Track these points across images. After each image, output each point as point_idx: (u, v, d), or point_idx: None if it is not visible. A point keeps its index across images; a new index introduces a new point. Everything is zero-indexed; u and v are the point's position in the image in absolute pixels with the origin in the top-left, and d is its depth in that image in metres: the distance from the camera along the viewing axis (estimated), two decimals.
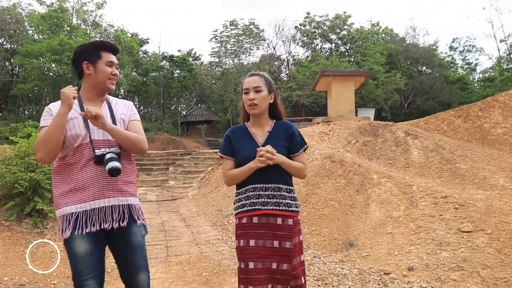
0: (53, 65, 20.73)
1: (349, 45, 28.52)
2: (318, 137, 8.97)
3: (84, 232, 2.00)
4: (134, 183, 2.25)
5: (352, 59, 27.12)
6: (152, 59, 31.10)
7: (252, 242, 2.14)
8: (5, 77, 26.09)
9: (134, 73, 28.27)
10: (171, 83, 27.83)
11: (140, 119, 2.34)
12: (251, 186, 2.18)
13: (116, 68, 2.23)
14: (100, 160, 2.02)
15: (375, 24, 29.59)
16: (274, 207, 2.15)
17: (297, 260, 2.19)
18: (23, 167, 5.40)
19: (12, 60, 26.36)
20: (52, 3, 23.74)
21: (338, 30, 27.70)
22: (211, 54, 30.98)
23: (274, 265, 2.12)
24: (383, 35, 29.17)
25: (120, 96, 27.54)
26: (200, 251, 4.86)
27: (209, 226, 6.41)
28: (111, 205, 2.07)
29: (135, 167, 2.30)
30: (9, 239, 4.87)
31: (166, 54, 30.21)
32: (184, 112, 32.50)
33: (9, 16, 25.68)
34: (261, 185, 2.17)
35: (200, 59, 33.86)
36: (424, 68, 29.03)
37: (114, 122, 2.16)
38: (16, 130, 14.25)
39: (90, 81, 2.18)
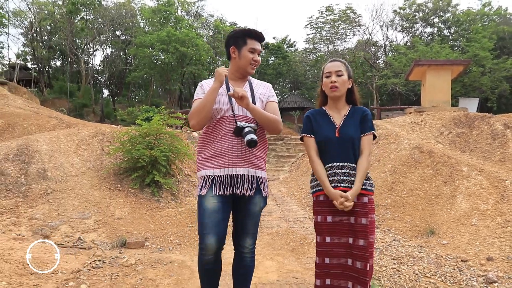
0: (161, 54, 22.80)
1: (453, 28, 26.39)
2: (409, 127, 8.94)
3: (217, 194, 2.25)
4: (264, 158, 2.45)
5: (457, 44, 25.12)
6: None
7: (329, 218, 2.29)
8: (121, 65, 29.38)
9: None
10: (266, 70, 28.70)
11: (277, 101, 2.52)
12: (328, 165, 2.33)
13: (258, 54, 2.41)
14: (239, 132, 2.24)
15: (486, 4, 26.90)
16: (350, 185, 2.26)
17: (372, 238, 2.27)
18: (145, 145, 6.51)
19: (126, 50, 29.63)
20: None
21: (441, 13, 25.82)
22: (306, 41, 31.16)
23: (351, 240, 2.24)
24: (494, 16, 26.40)
25: None
26: (288, 226, 5.48)
27: (297, 206, 7.00)
28: (242, 174, 2.29)
29: (266, 144, 2.50)
30: (135, 203, 6.01)
31: None
32: (278, 98, 33.35)
33: (124, 10, 28.80)
34: (337, 164, 2.30)
35: (294, 46, 34.24)
36: None
37: (253, 100, 2.35)
38: (132, 113, 16.29)
39: (235, 64, 2.42)
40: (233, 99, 2.27)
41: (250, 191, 2.30)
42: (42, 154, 6.64)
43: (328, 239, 2.28)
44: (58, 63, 33.44)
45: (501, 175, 5.96)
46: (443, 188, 6.07)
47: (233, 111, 2.31)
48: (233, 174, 2.27)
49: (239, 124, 2.24)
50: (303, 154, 12.33)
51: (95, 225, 5.08)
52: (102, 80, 32.83)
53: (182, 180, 7.29)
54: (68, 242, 4.56)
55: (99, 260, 3.87)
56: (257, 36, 2.40)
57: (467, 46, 20.02)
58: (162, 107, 7.96)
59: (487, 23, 25.57)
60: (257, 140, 2.19)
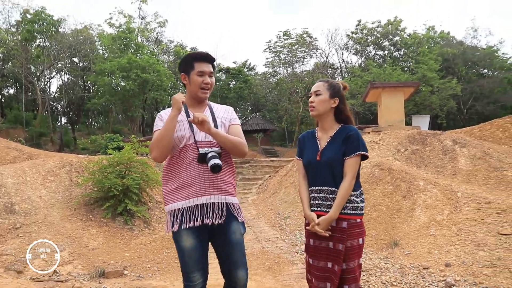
0: (122, 81, 22.70)
1: (403, 50, 28.21)
2: (368, 146, 9.46)
3: (188, 227, 2.16)
4: (233, 183, 2.36)
5: (407, 64, 26.80)
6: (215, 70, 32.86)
7: (311, 241, 2.29)
8: (79, 92, 28.85)
9: None
10: (228, 93, 29.16)
11: (240, 123, 2.45)
12: (310, 188, 2.33)
13: (210, 76, 2.33)
14: (202, 158, 2.16)
15: (430, 29, 29.03)
16: (327, 209, 2.21)
17: (355, 263, 2.21)
18: (116, 174, 6.56)
19: (84, 77, 29.18)
20: (121, 25, 26.00)
21: (390, 37, 27.56)
22: (266, 64, 32.03)
23: (329, 265, 2.19)
24: (438, 39, 28.51)
25: None
26: (262, 247, 5.69)
27: (268, 227, 7.23)
28: (212, 202, 2.19)
29: (234, 168, 2.41)
30: (108, 232, 6.02)
31: (222, 66, 31.72)
32: (239, 121, 33.81)
33: (82, 37, 28.49)
34: (316, 188, 2.28)
35: (255, 69, 35.11)
36: (486, 71, 27.95)
37: (215, 125, 2.29)
38: (95, 141, 16.05)
39: (188, 90, 2.36)
40: (194, 126, 2.20)
41: (220, 219, 2.20)
42: (8, 188, 6.51)
43: (310, 261, 2.29)
44: (11, 91, 32.33)
45: (453, 188, 6.51)
46: (403, 202, 6.53)
47: (194, 138, 2.24)
48: (202, 204, 2.18)
49: (201, 150, 2.17)
50: (269, 176, 12.64)
51: (69, 257, 5.06)
52: (59, 107, 32.03)
53: (153, 207, 7.35)
54: (43, 277, 4.53)
55: None
56: (204, 57, 2.33)
57: (416, 67, 21.45)
58: (133, 136, 8.02)
59: (432, 45, 27.54)
60: (222, 164, 2.12)
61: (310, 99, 2.38)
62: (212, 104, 2.48)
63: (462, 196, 6.17)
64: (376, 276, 4.30)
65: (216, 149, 2.19)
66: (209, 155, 2.12)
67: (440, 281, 4.10)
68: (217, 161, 2.08)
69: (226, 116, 2.40)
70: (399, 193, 6.77)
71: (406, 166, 8.01)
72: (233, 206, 2.28)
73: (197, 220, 2.16)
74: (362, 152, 2.24)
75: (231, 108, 2.53)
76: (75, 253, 5.17)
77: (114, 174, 6.51)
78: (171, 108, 2.23)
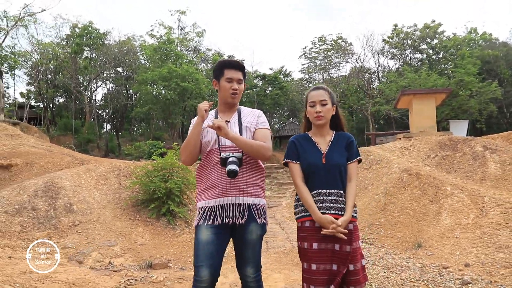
0: (162, 90, 23.83)
1: (442, 53, 27.72)
2: (399, 152, 9.71)
3: (206, 224, 2.29)
4: (259, 184, 2.44)
5: (447, 67, 26.29)
6: (246, 77, 33.62)
7: (315, 245, 2.25)
8: (124, 101, 30.46)
9: None
10: (264, 100, 29.77)
11: (268, 127, 2.51)
12: (315, 191, 2.32)
13: (238, 83, 2.46)
14: (224, 162, 2.28)
15: (472, 31, 28.32)
16: (337, 212, 2.27)
17: (359, 265, 2.27)
18: (160, 178, 7.22)
19: (127, 86, 30.79)
20: (161, 36, 27.29)
21: (428, 40, 27.17)
22: (301, 71, 32.47)
23: (335, 267, 2.23)
24: (480, 41, 27.77)
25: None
26: (292, 246, 6.13)
27: None
28: (233, 203, 2.31)
29: (262, 171, 2.50)
30: (154, 231, 6.68)
31: (259, 73, 32.40)
32: (276, 127, 34.33)
33: (125, 48, 30.13)
34: (325, 190, 2.30)
35: (290, 75, 35.56)
36: None
37: (240, 129, 2.40)
38: (139, 147, 17.07)
39: (219, 96, 2.51)
40: None
41: (241, 219, 2.30)
42: (66, 190, 7.34)
43: (314, 267, 2.25)
44: (61, 100, 34.53)
45: (481, 192, 6.67)
46: (429, 206, 6.76)
47: (219, 142, 2.37)
48: (224, 204, 2.30)
49: (223, 155, 2.29)
50: None
51: (121, 251, 5.74)
52: (104, 115, 33.89)
53: (193, 209, 7.98)
54: (100, 266, 5.21)
55: (132, 279, 4.52)
56: (233, 65, 2.47)
57: (453, 72, 21.12)
58: (174, 143, 8.71)
59: (473, 47, 26.87)
60: (245, 169, 2.31)
61: (317, 109, 2.38)
62: (242, 108, 2.58)
63: (489, 200, 6.33)
64: (396, 273, 4.64)
65: (238, 154, 2.31)
66: (229, 160, 2.25)
67: (457, 279, 4.38)
68: (234, 166, 2.20)
69: (252, 121, 2.49)
70: (426, 197, 7.00)
71: (436, 172, 8.18)
72: (255, 207, 2.37)
73: (217, 219, 2.29)
74: (360, 158, 2.45)
75: (260, 112, 2.60)
76: (126, 248, 5.85)
77: (158, 178, 7.18)
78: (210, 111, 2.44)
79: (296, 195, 2.44)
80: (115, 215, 6.98)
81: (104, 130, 32.69)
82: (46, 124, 27.18)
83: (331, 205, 2.28)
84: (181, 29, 29.65)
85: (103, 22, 51.40)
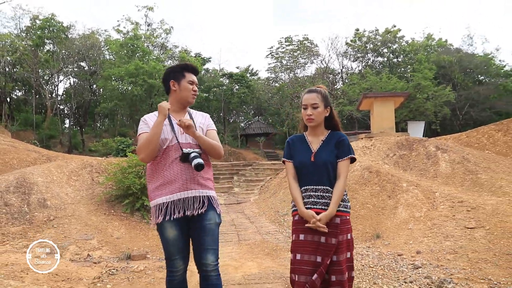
0: (129, 86, 23.59)
1: (401, 57, 29.12)
2: (360, 151, 10.36)
3: (172, 218, 2.41)
4: (211, 179, 2.63)
5: (406, 70, 27.63)
6: (213, 75, 33.79)
7: (301, 237, 2.42)
8: (88, 96, 29.81)
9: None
10: (231, 98, 30.05)
11: (215, 129, 2.73)
12: (304, 187, 2.48)
13: (196, 86, 2.65)
14: (185, 158, 2.41)
15: (428, 36, 29.93)
16: (323, 207, 2.40)
17: (343, 256, 2.38)
18: (135, 174, 7.43)
19: (91, 81, 30.14)
20: (128, 31, 26.96)
21: (389, 44, 28.47)
22: (268, 70, 33.01)
23: (319, 259, 2.34)
24: (436, 46, 29.43)
25: None
26: (262, 238, 6.55)
27: (268, 223, 8.10)
28: (193, 196, 2.45)
29: (211, 166, 2.69)
30: (129, 225, 6.89)
31: (225, 71, 32.65)
32: (242, 125, 34.73)
33: (89, 42, 29.45)
34: (312, 187, 2.45)
35: (257, 74, 36.04)
36: (482, 77, 28.82)
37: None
38: (107, 144, 16.94)
39: (175, 96, 2.62)
40: (175, 129, 2.52)
41: (201, 209, 2.46)
42: (39, 186, 7.39)
43: (298, 256, 2.39)
44: (19, 94, 33.22)
45: (433, 188, 7.36)
46: (387, 201, 7.39)
47: (177, 139, 2.49)
48: (185, 197, 2.43)
49: (185, 150, 2.42)
50: (271, 178, 13.52)
51: (98, 244, 5.94)
52: (66, 110, 32.97)
53: None
54: (79, 259, 5.40)
55: (113, 269, 4.77)
56: (194, 69, 2.67)
57: (411, 76, 22.37)
58: None
59: (431, 52, 28.44)
60: (204, 163, 2.40)
61: (308, 112, 2.50)
62: (191, 110, 2.74)
63: (440, 196, 7.02)
64: (357, 260, 5.16)
65: (197, 150, 2.47)
66: (192, 155, 2.39)
67: (409, 265, 4.95)
68: (200, 160, 2.36)
69: (204, 122, 2.68)
70: (385, 193, 7.63)
71: (393, 170, 8.87)
72: (213, 198, 2.55)
73: (179, 212, 2.42)
74: (352, 155, 2.51)
75: (208, 115, 2.81)
76: (103, 241, 6.05)
77: (133, 174, 7.39)
78: (155, 112, 2.57)
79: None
80: (90, 210, 7.12)
81: (66, 125, 31.84)
82: (5, 119, 26.15)
83: (318, 200, 2.42)
84: (148, 25, 29.43)
85: (66, 14, 49.83)
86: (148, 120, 2.56)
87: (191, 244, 2.60)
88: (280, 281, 3.85)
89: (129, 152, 7.90)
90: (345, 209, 2.47)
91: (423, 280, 4.41)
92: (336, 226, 2.37)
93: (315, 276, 2.30)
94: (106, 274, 4.59)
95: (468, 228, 5.81)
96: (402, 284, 4.37)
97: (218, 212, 2.55)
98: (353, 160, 2.53)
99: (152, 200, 2.51)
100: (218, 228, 2.57)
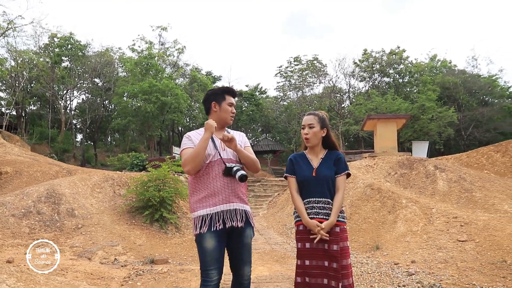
0: (142, 103, 24.46)
1: (407, 78, 29.80)
2: (364, 169, 10.95)
3: (213, 229, 2.52)
4: (246, 194, 2.81)
5: (413, 90, 28.20)
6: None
7: (307, 245, 2.65)
8: (103, 112, 30.81)
9: None
10: (240, 116, 30.85)
11: (250, 146, 2.89)
12: (306, 199, 2.71)
13: (234, 107, 2.83)
14: (229, 172, 2.55)
15: (433, 58, 30.67)
16: (324, 217, 2.62)
17: (347, 262, 2.60)
18: (155, 188, 8.10)
19: (104, 97, 31.13)
20: (142, 50, 28.04)
21: (395, 65, 29.22)
22: (276, 88, 33.89)
23: (326, 263, 2.57)
24: (441, 68, 30.13)
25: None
26: (271, 248, 7.14)
27: (276, 235, 8.68)
28: (235, 209, 2.59)
29: (246, 183, 2.78)
30: (149, 234, 7.53)
31: (235, 90, 33.48)
32: (251, 142, 35.44)
33: (104, 59, 30.59)
34: (314, 199, 2.68)
35: (266, 92, 36.93)
36: (487, 98, 29.35)
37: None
38: (122, 159, 17.71)
39: (216, 117, 2.77)
40: (217, 145, 2.67)
41: (241, 222, 2.59)
42: (67, 196, 8.08)
43: (307, 262, 2.64)
44: (34, 108, 34.23)
45: (430, 205, 7.92)
46: (387, 216, 7.95)
47: (220, 155, 2.64)
48: (227, 210, 2.56)
49: (228, 165, 2.57)
50: (278, 194, 14.11)
51: (123, 250, 6.57)
52: (78, 125, 33.98)
53: (181, 216, 8.86)
54: (108, 262, 6.04)
55: (140, 271, 5.40)
56: (233, 92, 2.87)
57: (415, 98, 23.05)
58: (168, 156, 9.59)
59: (436, 73, 29.11)
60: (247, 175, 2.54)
61: (305, 131, 2.79)
62: (228, 129, 2.91)
63: (436, 212, 7.58)
64: (357, 267, 5.73)
65: (238, 164, 2.64)
66: (235, 168, 2.53)
67: (404, 272, 5.50)
68: (243, 172, 2.50)
69: (241, 140, 2.85)
70: (385, 209, 8.20)
71: (394, 187, 9.44)
72: (249, 213, 2.71)
73: (220, 225, 2.54)
74: (348, 172, 2.77)
75: (243, 134, 2.99)
76: (127, 247, 6.68)
77: (153, 188, 8.05)
78: (197, 130, 2.79)
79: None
80: (113, 220, 7.78)
81: (78, 140, 32.78)
82: (22, 133, 27.14)
83: (319, 211, 2.66)
84: (162, 44, 30.54)
85: (83, 32, 51.61)
86: (192, 136, 2.71)
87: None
88: (288, 281, 4.43)
89: (150, 167, 8.56)
90: (343, 219, 2.70)
91: (415, 285, 4.97)
92: (336, 234, 2.61)
93: (325, 280, 2.56)
94: (134, 274, 5.21)
95: (460, 241, 6.36)
96: (396, 287, 4.94)
97: (253, 226, 2.74)
98: (348, 175, 2.79)
99: (195, 212, 2.62)
100: (251, 242, 2.75)
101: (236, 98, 3.06)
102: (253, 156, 2.73)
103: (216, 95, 2.80)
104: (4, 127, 21.35)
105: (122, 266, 5.84)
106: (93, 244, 6.64)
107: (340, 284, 2.50)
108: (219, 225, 2.53)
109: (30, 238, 6.70)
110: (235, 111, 2.85)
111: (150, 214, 7.93)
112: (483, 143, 22.09)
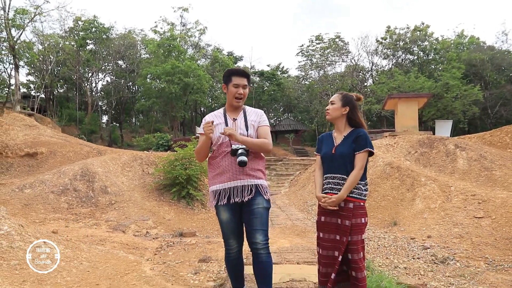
0: (166, 85, 24.90)
1: (432, 55, 29.08)
2: (384, 148, 11.09)
3: (222, 204, 2.71)
4: (261, 170, 2.84)
5: (438, 68, 27.54)
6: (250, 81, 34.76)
7: (322, 218, 2.78)
8: (127, 94, 31.53)
9: None
10: (262, 95, 30.97)
11: (268, 125, 2.91)
12: (326, 175, 2.82)
13: (243, 88, 2.82)
14: (234, 152, 2.66)
15: (460, 35, 29.78)
16: (338, 192, 2.68)
17: (358, 238, 2.65)
18: (181, 166, 8.52)
19: (127, 78, 31.77)
20: (164, 32, 28.33)
21: (419, 42, 28.54)
22: (298, 68, 33.69)
23: (338, 237, 2.68)
24: (468, 44, 29.24)
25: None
26: (292, 223, 7.49)
27: (297, 211, 9.03)
28: (242, 185, 2.71)
29: (262, 159, 2.90)
30: (177, 210, 8.00)
31: (256, 70, 33.58)
32: (272, 122, 35.62)
33: (127, 42, 31.08)
34: (331, 175, 2.77)
35: (287, 72, 36.76)
36: None
37: (246, 126, 2.80)
38: (147, 139, 18.31)
39: (227, 98, 2.89)
40: (229, 126, 2.79)
41: (248, 196, 2.69)
42: (100, 175, 8.62)
43: (321, 234, 2.78)
44: (61, 91, 35.24)
45: (449, 183, 8.06)
46: (406, 194, 8.15)
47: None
48: (234, 186, 2.70)
49: (234, 146, 2.67)
50: (300, 172, 14.42)
51: (154, 224, 7.05)
52: (104, 107, 34.89)
53: (207, 194, 9.30)
54: (140, 235, 6.52)
55: (170, 242, 5.84)
56: (240, 72, 2.84)
57: (439, 76, 22.58)
58: (192, 136, 9.99)
59: (462, 50, 28.30)
60: (250, 158, 2.68)
61: (327, 107, 2.91)
62: (247, 108, 2.95)
63: (455, 190, 7.73)
64: (374, 241, 6.02)
65: (245, 146, 2.68)
66: (239, 151, 2.63)
67: (420, 246, 5.76)
68: (243, 158, 2.59)
69: (255, 119, 2.87)
70: (404, 186, 8.39)
71: (414, 166, 9.58)
72: (261, 186, 2.76)
73: (229, 199, 2.71)
74: (369, 149, 2.70)
75: (262, 112, 2.98)
76: (157, 222, 7.16)
77: (180, 166, 8.48)
78: (215, 111, 2.97)
79: None
80: (143, 196, 8.28)
81: (104, 121, 33.72)
82: (52, 115, 28.17)
83: (334, 186, 2.73)
84: (183, 25, 30.72)
85: (105, 15, 52.29)
86: (208, 119, 2.83)
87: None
88: (307, 252, 4.76)
89: (176, 147, 8.99)
90: (359, 197, 2.69)
91: (429, 257, 5.24)
92: (349, 210, 2.65)
93: (336, 252, 2.66)
94: (166, 245, 5.65)
95: (476, 217, 6.54)
96: (411, 260, 5.21)
97: (266, 198, 2.76)
98: (371, 153, 2.74)
99: (210, 187, 2.84)
100: (267, 212, 2.78)
101: (250, 78, 3.00)
102: (259, 140, 2.78)
103: (225, 77, 2.88)
104: (35, 109, 22.25)
105: (153, 238, 6.30)
106: (126, 219, 7.14)
107: (352, 259, 2.61)
108: (224, 201, 2.70)
109: (69, 213, 7.27)
110: (242, 91, 2.83)
111: (177, 191, 8.38)
112: (511, 122, 21.54)
